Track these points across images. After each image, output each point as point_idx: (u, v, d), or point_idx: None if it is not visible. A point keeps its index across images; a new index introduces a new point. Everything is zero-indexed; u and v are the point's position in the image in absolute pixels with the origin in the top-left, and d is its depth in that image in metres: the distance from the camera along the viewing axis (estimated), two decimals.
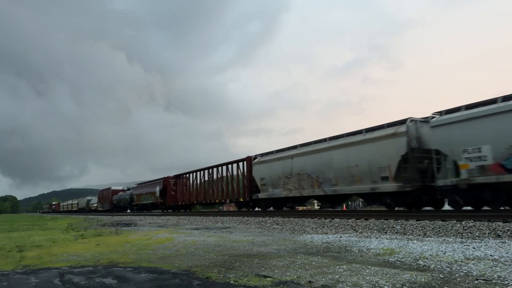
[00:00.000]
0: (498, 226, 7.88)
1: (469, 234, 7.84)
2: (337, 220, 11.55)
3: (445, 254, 5.14)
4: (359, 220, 10.91)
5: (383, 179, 14.19)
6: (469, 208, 12.60)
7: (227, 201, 26.55)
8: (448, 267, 4.29)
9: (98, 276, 4.43)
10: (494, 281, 3.59)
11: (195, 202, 30.81)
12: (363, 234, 8.97)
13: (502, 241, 6.52)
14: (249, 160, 23.30)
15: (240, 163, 24.22)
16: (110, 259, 5.91)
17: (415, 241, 6.77)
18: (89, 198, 70.34)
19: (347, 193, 16.66)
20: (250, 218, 15.68)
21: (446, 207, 13.85)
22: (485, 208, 12.21)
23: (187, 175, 32.70)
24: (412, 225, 9.23)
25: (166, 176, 35.67)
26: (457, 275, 3.91)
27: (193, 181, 31.30)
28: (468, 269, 4.11)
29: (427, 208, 14.64)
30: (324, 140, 17.68)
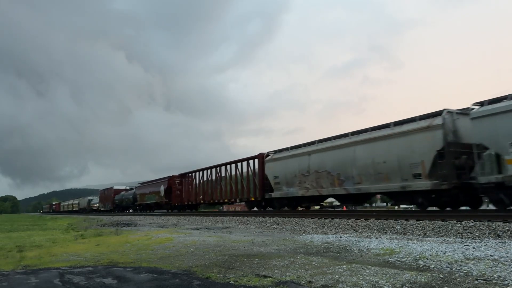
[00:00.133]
0: (498, 226, 7.88)
1: (469, 234, 7.84)
2: (337, 220, 11.55)
3: (445, 254, 5.14)
4: (359, 220, 10.91)
5: (415, 176, 13.09)
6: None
7: (237, 201, 25.55)
8: (448, 267, 4.30)
9: (98, 276, 4.43)
10: (494, 281, 3.59)
11: (202, 201, 29.89)
12: (363, 234, 8.97)
13: (502, 241, 6.52)
14: (261, 157, 22.22)
15: (251, 161, 23.20)
16: (110, 259, 5.91)
17: (415, 241, 6.77)
18: (90, 198, 69.42)
19: (373, 192, 15.60)
20: (250, 218, 15.67)
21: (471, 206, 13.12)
22: (485, 208, 12.17)
23: (193, 174, 31.76)
24: (412, 225, 9.23)
25: (171, 175, 34.73)
26: (457, 275, 3.91)
27: (199, 180, 30.35)
28: (468, 269, 4.11)
29: (463, 207, 13.77)
30: (346, 135, 16.53)
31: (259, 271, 4.47)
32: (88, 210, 65.72)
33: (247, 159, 23.53)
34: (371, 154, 14.78)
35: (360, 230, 9.82)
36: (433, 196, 13.19)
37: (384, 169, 14.20)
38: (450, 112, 12.79)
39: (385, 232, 9.15)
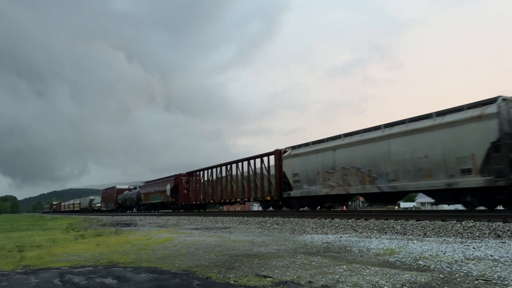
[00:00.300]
0: (498, 226, 7.88)
1: (469, 234, 7.84)
2: (337, 220, 11.55)
3: (445, 254, 5.14)
4: (359, 220, 10.91)
5: (463, 172, 11.75)
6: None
7: (251, 200, 24.24)
8: (448, 267, 4.30)
9: (98, 276, 4.43)
10: (494, 281, 3.59)
11: (211, 201, 28.59)
12: (363, 234, 8.97)
13: (502, 241, 6.52)
14: (278, 153, 20.66)
15: (265, 158, 21.88)
16: (110, 259, 5.91)
17: (415, 241, 6.77)
18: (92, 197, 68.30)
19: (410, 190, 14.07)
20: (250, 218, 15.67)
21: None
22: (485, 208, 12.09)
23: (201, 172, 30.55)
24: (412, 225, 9.23)
25: (178, 173, 33.37)
26: (457, 275, 3.91)
27: (208, 179, 29.02)
28: (468, 269, 4.11)
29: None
30: (378, 127, 15.04)
31: (259, 271, 4.47)
32: (89, 210, 64.73)
33: (261, 156, 22.29)
34: (409, 148, 13.33)
35: (360, 230, 9.82)
36: (484, 194, 11.78)
37: (426, 165, 12.77)
38: (506, 99, 11.45)
39: (385, 232, 9.15)
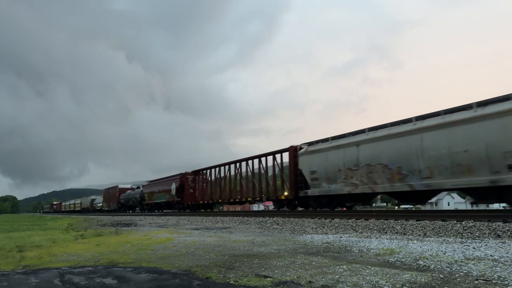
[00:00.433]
0: (498, 226, 7.88)
1: (469, 234, 7.84)
2: (337, 220, 11.55)
3: (445, 254, 5.14)
4: (359, 220, 10.91)
5: (511, 168, 10.79)
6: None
7: (263, 199, 23.42)
8: (448, 267, 4.30)
9: (98, 276, 4.43)
10: (494, 281, 3.59)
11: (220, 200, 27.60)
12: (363, 234, 8.97)
13: (502, 241, 6.52)
14: (293, 150, 19.68)
15: (278, 155, 20.95)
16: (110, 259, 5.91)
17: (415, 241, 6.77)
18: (93, 197, 67.15)
19: (447, 188, 12.84)
20: (250, 218, 15.67)
21: None
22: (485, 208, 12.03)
23: (208, 171, 29.69)
24: (412, 225, 9.23)
25: (184, 172, 32.45)
26: (457, 275, 3.91)
27: (216, 177, 28.15)
28: (468, 269, 4.11)
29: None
30: (408, 120, 13.87)
31: (259, 271, 4.47)
32: (91, 210, 63.80)
33: (274, 153, 21.33)
34: (446, 142, 12.23)
35: (360, 230, 9.82)
36: None
37: (466, 160, 11.74)
38: None
39: (385, 232, 9.15)
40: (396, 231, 9.14)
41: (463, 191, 13.71)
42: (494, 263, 4.41)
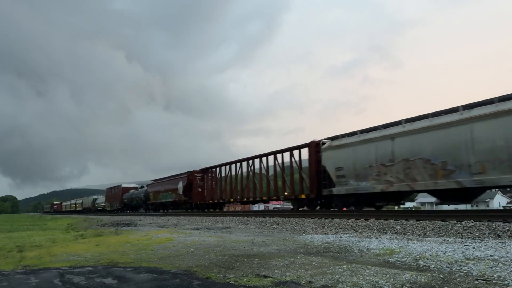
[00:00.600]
0: (498, 226, 7.88)
1: (469, 234, 7.84)
2: (337, 220, 11.55)
3: (445, 254, 5.14)
4: (359, 220, 10.91)
5: None
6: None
7: (281, 198, 22.12)
8: (448, 267, 4.30)
9: (98, 276, 4.43)
10: (494, 281, 3.59)
11: (231, 199, 26.22)
12: (363, 234, 8.97)
13: (502, 241, 6.52)
14: (314, 145, 18.21)
15: (295, 151, 19.63)
16: (110, 259, 5.91)
17: (415, 241, 6.77)
18: (95, 197, 65.83)
19: (505, 185, 11.56)
20: (250, 218, 15.67)
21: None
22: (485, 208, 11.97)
23: (218, 169, 28.42)
24: (412, 225, 9.23)
25: (191, 170, 30.91)
26: (457, 275, 3.91)
27: (226, 175, 26.80)
28: (468, 269, 4.11)
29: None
30: (454, 109, 12.36)
31: (259, 271, 4.47)
32: (93, 210, 62.56)
33: (291, 149, 20.01)
34: (501, 133, 10.91)
35: (360, 230, 9.82)
36: None
37: None
38: None
39: (385, 232, 9.15)
40: (396, 231, 9.14)
41: None
42: (494, 263, 4.41)
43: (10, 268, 5.51)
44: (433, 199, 13.65)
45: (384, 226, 9.76)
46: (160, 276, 4.33)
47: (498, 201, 74.68)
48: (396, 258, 5.07)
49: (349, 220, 11.15)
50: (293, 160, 19.82)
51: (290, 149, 20.01)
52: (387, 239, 7.43)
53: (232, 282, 3.92)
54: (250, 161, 23.68)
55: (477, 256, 4.93)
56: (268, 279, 3.98)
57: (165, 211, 35.46)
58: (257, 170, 23.50)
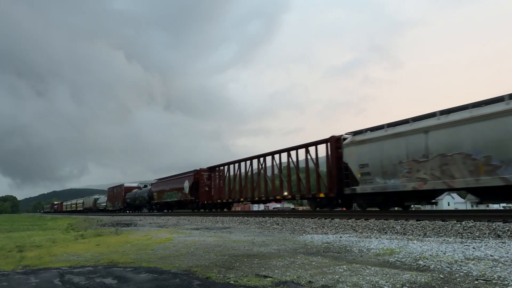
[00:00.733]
0: (498, 226, 7.88)
1: (469, 234, 7.84)
2: (337, 220, 11.55)
3: (445, 254, 5.14)
4: (359, 220, 10.91)
5: None
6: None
7: (296, 198, 20.95)
8: (448, 267, 4.30)
9: (98, 276, 4.43)
10: (494, 281, 3.59)
11: (241, 199, 25.26)
12: (363, 234, 8.97)
13: (502, 241, 6.52)
14: (334, 140, 17.04)
15: (311, 148, 18.44)
16: (110, 259, 5.91)
17: (415, 241, 6.77)
18: (96, 196, 65.08)
19: None
20: (250, 218, 15.67)
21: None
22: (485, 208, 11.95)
23: (226, 167, 27.62)
24: (412, 225, 9.24)
25: (198, 168, 30.01)
26: (457, 275, 3.91)
27: (235, 174, 25.79)
28: (468, 269, 4.11)
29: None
30: (499, 99, 11.32)
31: (259, 271, 4.47)
32: (94, 210, 61.75)
33: (307, 146, 18.83)
34: None
35: (360, 230, 9.82)
36: None
37: None
38: None
39: (385, 232, 9.15)
40: (396, 231, 9.14)
41: None
42: (494, 263, 4.41)
43: (10, 268, 5.51)
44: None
45: (384, 226, 9.76)
46: (160, 276, 4.33)
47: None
48: (396, 258, 5.07)
49: (349, 220, 11.16)
50: (308, 157, 18.74)
51: (306, 146, 18.97)
52: (387, 239, 7.43)
53: (232, 282, 3.92)
54: (261, 159, 22.79)
55: (477, 256, 4.93)
56: (268, 279, 3.98)
57: (170, 211, 34.78)
58: (268, 168, 22.63)
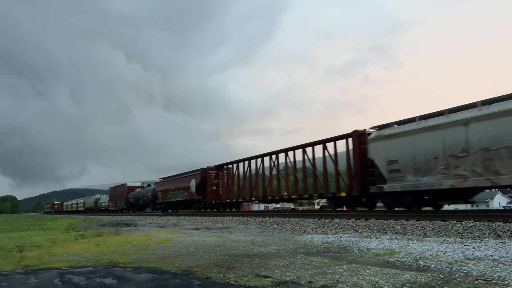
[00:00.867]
0: (498, 226, 7.88)
1: (469, 234, 7.84)
2: (337, 220, 11.55)
3: (445, 254, 5.14)
4: (359, 220, 10.91)
5: None
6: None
7: (314, 197, 19.64)
8: (448, 267, 4.30)
9: (98, 276, 4.43)
10: (494, 281, 3.59)
11: (253, 198, 24.16)
12: (363, 234, 8.97)
13: (502, 241, 6.53)
14: (357, 135, 15.67)
15: (329, 144, 17.25)
16: (110, 259, 5.91)
17: (415, 241, 6.77)
18: (97, 196, 64.28)
19: None
20: (250, 218, 15.67)
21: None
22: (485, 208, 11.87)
23: (235, 165, 26.44)
24: (412, 225, 9.23)
25: (205, 167, 28.99)
26: (457, 275, 3.91)
27: (244, 172, 24.75)
28: (468, 269, 4.11)
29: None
30: None
31: (259, 271, 4.47)
32: (95, 210, 60.90)
33: (324, 142, 17.61)
34: None
35: (360, 230, 9.82)
36: None
37: None
38: None
39: (385, 232, 9.15)
40: (396, 231, 9.14)
41: None
42: (494, 263, 4.41)
43: (10, 268, 5.51)
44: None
45: (384, 226, 9.76)
46: (160, 276, 4.33)
47: (498, 201, 73.33)
48: (396, 258, 5.07)
49: (349, 220, 11.15)
50: (326, 154, 17.58)
51: (323, 142, 17.74)
52: (387, 239, 7.43)
53: (232, 282, 3.92)
54: (274, 156, 21.66)
55: (477, 256, 4.93)
56: (268, 279, 3.98)
57: (175, 211, 33.82)
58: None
